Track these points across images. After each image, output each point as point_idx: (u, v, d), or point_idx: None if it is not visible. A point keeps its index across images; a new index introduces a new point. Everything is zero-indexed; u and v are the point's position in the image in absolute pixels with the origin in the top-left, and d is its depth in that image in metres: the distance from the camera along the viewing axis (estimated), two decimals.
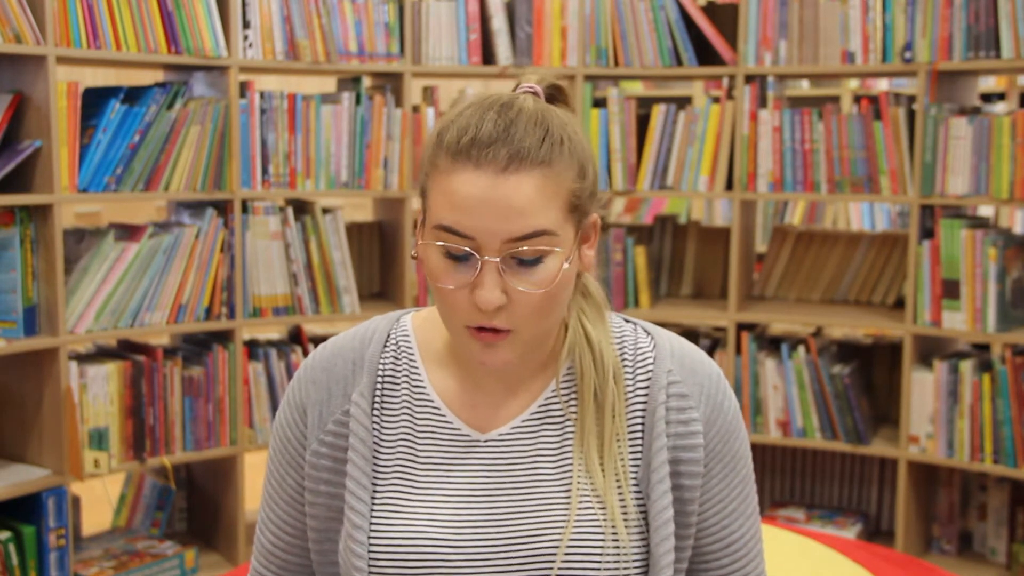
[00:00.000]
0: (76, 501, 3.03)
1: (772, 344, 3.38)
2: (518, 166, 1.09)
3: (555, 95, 1.20)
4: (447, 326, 1.17)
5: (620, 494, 1.16)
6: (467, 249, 1.10)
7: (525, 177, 1.09)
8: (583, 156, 1.14)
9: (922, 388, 3.15)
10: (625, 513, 1.16)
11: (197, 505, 3.37)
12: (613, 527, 1.14)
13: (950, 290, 3.07)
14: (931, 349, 3.27)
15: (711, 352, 3.44)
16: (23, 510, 2.75)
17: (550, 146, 1.10)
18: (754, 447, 3.49)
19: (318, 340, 3.35)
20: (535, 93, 1.18)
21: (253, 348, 3.23)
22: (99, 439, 2.89)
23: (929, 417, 3.14)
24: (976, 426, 3.07)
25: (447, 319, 1.15)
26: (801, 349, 3.28)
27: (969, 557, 3.28)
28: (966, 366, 3.08)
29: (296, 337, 3.36)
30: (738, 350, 3.36)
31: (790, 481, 3.60)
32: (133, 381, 2.93)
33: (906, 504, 3.19)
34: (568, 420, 1.20)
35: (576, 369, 1.21)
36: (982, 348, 3.36)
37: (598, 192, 1.18)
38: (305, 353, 3.28)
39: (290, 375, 3.24)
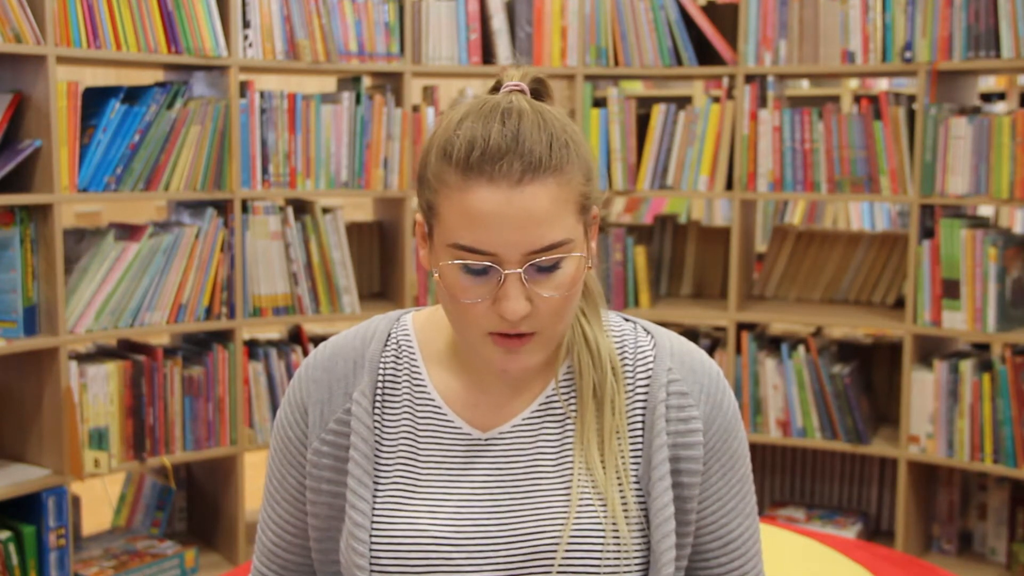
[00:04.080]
0: (76, 501, 3.03)
1: (772, 344, 3.38)
2: (532, 176, 1.08)
3: (540, 90, 1.19)
4: (464, 336, 1.16)
5: (621, 490, 1.16)
6: (488, 263, 1.09)
7: (540, 187, 1.08)
8: (587, 156, 1.14)
9: (922, 388, 3.15)
10: (626, 509, 1.16)
11: (197, 505, 3.37)
12: (614, 523, 1.15)
13: (950, 290, 3.07)
14: (931, 349, 3.27)
15: (711, 352, 3.44)
16: (23, 510, 2.75)
17: (559, 151, 1.10)
18: (754, 447, 3.49)
19: (318, 340, 3.35)
20: (521, 91, 1.16)
21: (253, 348, 3.23)
22: (99, 439, 2.89)
23: (929, 417, 3.14)
24: (976, 426, 3.07)
25: (465, 330, 1.15)
26: (801, 349, 3.29)
27: (969, 557, 3.28)
28: (966, 366, 3.08)
29: (296, 337, 3.36)
30: (738, 350, 3.36)
31: (790, 481, 3.60)
32: (133, 381, 2.93)
33: (906, 504, 3.19)
34: (568, 418, 1.20)
35: (575, 366, 1.21)
36: (982, 348, 3.36)
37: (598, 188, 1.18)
38: (305, 353, 3.28)
39: (290, 375, 3.24)
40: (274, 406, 3.23)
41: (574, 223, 1.12)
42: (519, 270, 1.09)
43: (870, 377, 3.49)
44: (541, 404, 1.21)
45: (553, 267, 1.11)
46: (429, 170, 1.13)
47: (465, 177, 1.08)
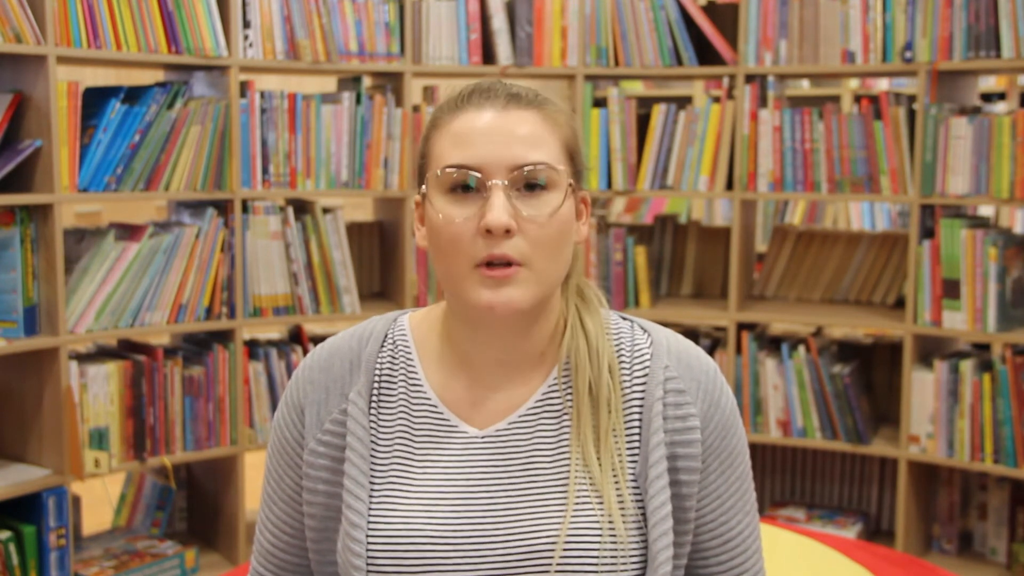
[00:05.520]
0: (76, 501, 3.03)
1: (772, 344, 3.38)
2: (517, 104, 1.18)
3: None
4: (454, 280, 1.17)
5: (617, 488, 1.17)
6: (475, 175, 1.14)
7: (525, 112, 1.17)
8: (572, 116, 1.23)
9: (922, 388, 3.15)
10: (623, 508, 1.16)
11: (197, 505, 3.37)
12: (610, 521, 1.15)
13: (950, 290, 3.07)
14: (931, 349, 3.27)
15: (711, 352, 3.44)
16: (23, 510, 2.75)
17: (544, 98, 1.21)
18: (754, 447, 3.49)
19: (318, 340, 3.35)
20: None
21: (253, 348, 3.24)
22: (99, 439, 2.89)
23: (929, 417, 3.14)
24: (976, 426, 3.06)
25: (454, 268, 1.16)
26: (801, 349, 3.28)
27: (969, 557, 3.28)
28: (966, 366, 3.08)
29: (296, 337, 3.37)
30: (738, 350, 3.36)
31: (790, 481, 3.60)
32: (133, 381, 2.93)
33: (906, 504, 3.19)
34: (565, 415, 1.21)
35: (571, 363, 1.21)
36: (982, 348, 3.36)
37: (586, 164, 1.27)
38: (305, 353, 3.28)
39: (290, 375, 3.21)
40: (274, 406, 3.23)
41: (559, 158, 1.18)
42: (504, 181, 1.14)
43: (870, 377, 3.49)
44: (537, 402, 1.22)
45: (538, 186, 1.16)
46: (425, 128, 1.22)
47: (455, 109, 1.18)
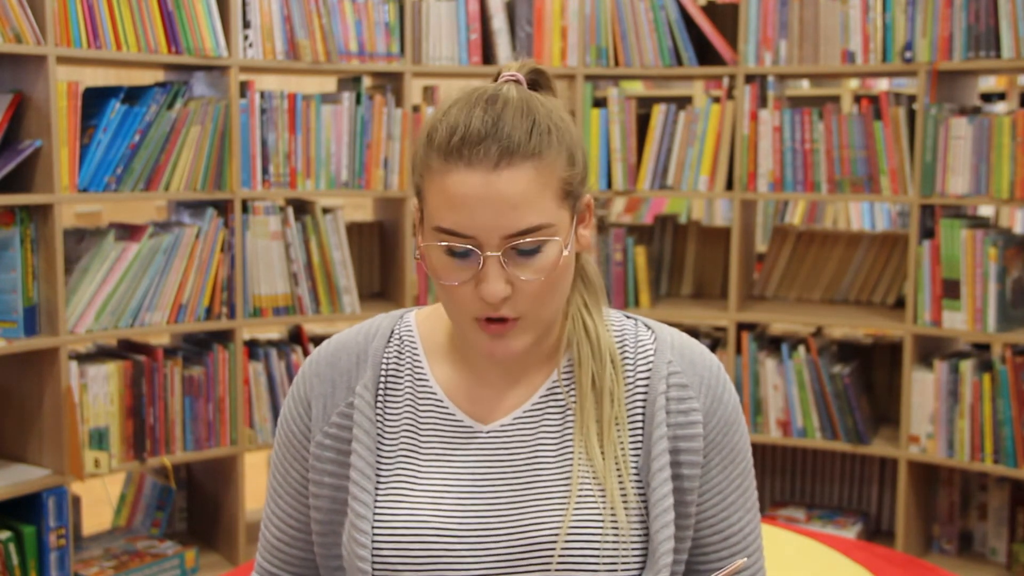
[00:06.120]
0: (76, 501, 3.03)
1: (772, 344, 3.38)
2: (509, 160, 1.10)
3: (537, 80, 1.21)
4: (454, 321, 1.18)
5: (620, 480, 1.17)
6: (468, 246, 1.11)
7: (517, 171, 1.10)
8: (571, 142, 1.16)
9: (922, 388, 3.15)
10: (625, 500, 1.17)
11: (197, 505, 3.37)
12: (612, 512, 1.15)
13: (950, 290, 3.07)
14: (931, 349, 3.27)
15: (711, 351, 3.43)
16: (23, 510, 2.75)
17: (539, 137, 1.12)
18: (754, 447, 3.47)
19: (318, 340, 3.35)
20: (517, 81, 1.19)
21: (253, 348, 3.23)
22: (99, 439, 2.89)
23: (929, 417, 3.14)
24: (976, 426, 3.07)
25: (453, 314, 1.17)
26: (801, 349, 3.29)
27: (969, 557, 3.28)
28: (966, 366, 3.08)
29: (296, 337, 3.36)
30: (738, 350, 3.36)
31: (790, 481, 3.60)
32: (133, 381, 2.93)
33: (906, 504, 3.19)
34: (569, 409, 1.21)
35: (574, 357, 1.22)
36: (982, 348, 3.36)
37: (588, 174, 1.19)
38: (305, 353, 3.28)
39: (290, 375, 3.24)
40: (274, 406, 3.23)
41: (555, 208, 1.13)
42: (497, 253, 1.11)
43: (870, 377, 3.49)
44: (542, 396, 1.22)
45: (533, 251, 1.12)
46: (417, 156, 1.16)
47: (446, 161, 1.11)
